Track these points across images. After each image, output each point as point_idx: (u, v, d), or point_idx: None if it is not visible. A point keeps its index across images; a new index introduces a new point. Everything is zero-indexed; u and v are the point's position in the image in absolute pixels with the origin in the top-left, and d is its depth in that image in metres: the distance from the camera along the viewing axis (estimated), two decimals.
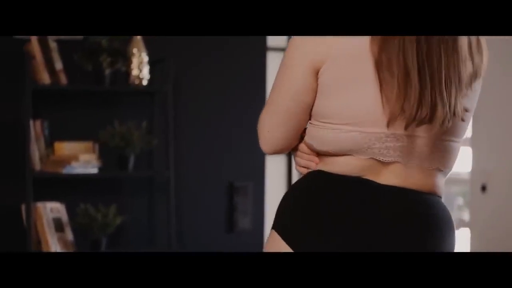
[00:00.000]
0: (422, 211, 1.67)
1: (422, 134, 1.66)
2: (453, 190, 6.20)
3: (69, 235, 4.10)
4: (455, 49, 1.61)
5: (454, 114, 1.62)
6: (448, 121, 1.62)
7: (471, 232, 5.82)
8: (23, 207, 4.04)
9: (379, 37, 1.61)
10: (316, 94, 1.69)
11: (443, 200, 1.76)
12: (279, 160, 5.84)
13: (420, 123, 1.62)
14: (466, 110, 1.67)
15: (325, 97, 1.67)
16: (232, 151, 4.56)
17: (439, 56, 1.60)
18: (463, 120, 1.68)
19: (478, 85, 1.71)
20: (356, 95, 1.63)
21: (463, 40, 1.64)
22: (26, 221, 4.00)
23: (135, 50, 4.17)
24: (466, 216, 6.14)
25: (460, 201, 6.39)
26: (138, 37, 4.17)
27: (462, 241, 6.12)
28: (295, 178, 5.94)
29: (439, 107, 1.60)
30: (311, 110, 1.72)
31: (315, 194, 1.70)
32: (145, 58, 4.19)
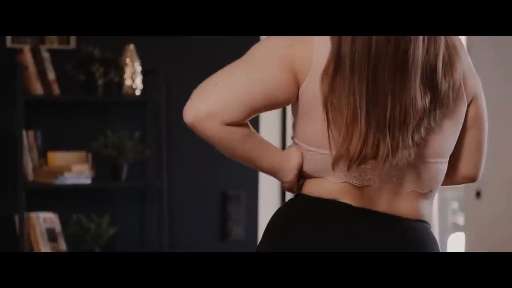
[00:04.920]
0: (393, 235, 1.65)
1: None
2: (448, 195, 6.21)
3: (62, 245, 4.10)
4: (404, 88, 1.57)
5: (397, 151, 1.57)
6: (390, 160, 1.58)
7: (466, 236, 5.83)
8: (16, 217, 4.04)
9: (329, 75, 1.58)
10: (286, 91, 1.62)
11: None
12: None
13: (362, 162, 1.59)
14: (425, 138, 1.62)
15: (300, 118, 1.65)
16: (224, 160, 4.52)
17: (386, 96, 1.56)
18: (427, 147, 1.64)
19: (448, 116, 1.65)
20: (321, 119, 1.61)
21: (416, 74, 1.58)
22: (19, 231, 4.00)
23: (127, 60, 4.17)
24: (460, 220, 6.15)
25: (455, 205, 6.41)
26: (131, 47, 4.18)
27: (458, 245, 6.15)
28: None
29: (381, 148, 1.57)
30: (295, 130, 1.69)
31: (289, 217, 1.68)
32: (138, 68, 4.20)
